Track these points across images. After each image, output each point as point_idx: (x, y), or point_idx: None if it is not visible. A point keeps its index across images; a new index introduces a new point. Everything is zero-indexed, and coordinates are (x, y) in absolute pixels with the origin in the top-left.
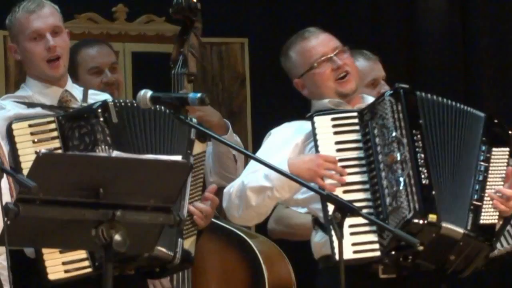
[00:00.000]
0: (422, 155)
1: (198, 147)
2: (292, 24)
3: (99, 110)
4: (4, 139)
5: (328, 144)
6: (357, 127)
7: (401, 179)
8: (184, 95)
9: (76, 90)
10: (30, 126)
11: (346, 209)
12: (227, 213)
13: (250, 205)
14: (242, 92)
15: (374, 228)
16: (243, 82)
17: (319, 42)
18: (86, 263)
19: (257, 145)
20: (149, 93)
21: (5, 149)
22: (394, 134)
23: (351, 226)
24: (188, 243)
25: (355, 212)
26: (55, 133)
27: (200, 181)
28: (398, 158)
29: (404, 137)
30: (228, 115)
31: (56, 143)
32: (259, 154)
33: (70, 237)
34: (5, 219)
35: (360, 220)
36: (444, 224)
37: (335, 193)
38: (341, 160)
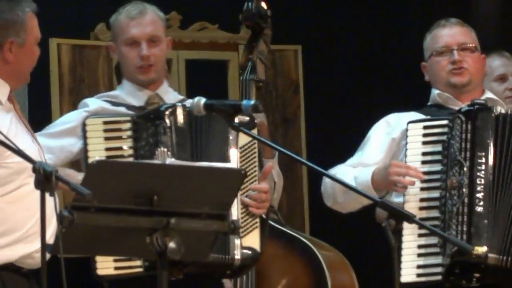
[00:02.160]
0: (483, 180)
1: (244, 138)
2: (345, 31)
3: (166, 113)
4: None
5: (415, 154)
6: (444, 137)
7: (454, 208)
8: (237, 102)
9: (170, 95)
10: (104, 123)
11: (400, 216)
12: (323, 196)
13: (337, 201)
14: (295, 99)
15: (439, 250)
16: (297, 89)
17: (449, 33)
18: (138, 262)
19: (311, 151)
20: (202, 100)
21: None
22: (458, 157)
23: (420, 246)
24: (251, 239)
25: (410, 219)
26: (128, 133)
27: (253, 172)
28: (456, 184)
29: (467, 160)
30: (281, 122)
31: (128, 143)
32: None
33: (124, 244)
34: (60, 226)
35: (430, 240)
36: (491, 255)
37: (412, 202)
38: (424, 173)
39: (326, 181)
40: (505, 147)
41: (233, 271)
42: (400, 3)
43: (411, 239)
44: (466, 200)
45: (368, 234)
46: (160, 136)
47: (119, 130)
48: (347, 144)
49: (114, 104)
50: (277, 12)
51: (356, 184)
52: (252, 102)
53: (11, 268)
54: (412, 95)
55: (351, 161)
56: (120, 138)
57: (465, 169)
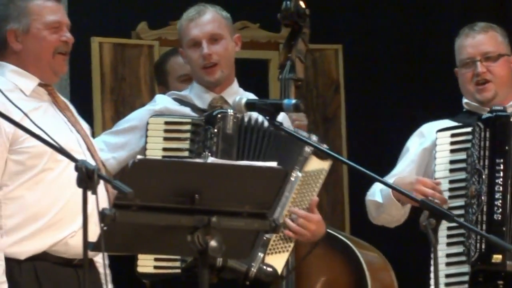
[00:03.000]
0: (501, 188)
1: (314, 164)
2: (386, 30)
3: (217, 119)
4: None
5: (444, 163)
6: (468, 145)
7: (474, 217)
8: (279, 101)
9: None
10: (166, 123)
11: (440, 215)
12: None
13: (372, 216)
14: (336, 98)
15: (465, 258)
16: (337, 88)
17: (472, 43)
18: (177, 263)
19: (351, 150)
20: (244, 99)
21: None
22: (476, 165)
23: (448, 255)
24: (277, 260)
25: (449, 218)
26: (187, 135)
27: (307, 199)
28: (475, 192)
29: (486, 168)
30: (322, 121)
31: (186, 144)
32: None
33: (166, 243)
34: (102, 224)
35: (457, 249)
36: (509, 262)
37: None
38: (450, 181)
39: (366, 203)
40: None
41: (251, 283)
42: (441, 2)
43: (439, 248)
44: (484, 208)
45: (408, 235)
46: (207, 141)
47: (179, 131)
48: (388, 143)
49: (182, 103)
50: (318, 12)
51: (382, 197)
52: (293, 101)
53: (43, 257)
54: (453, 94)
55: (390, 173)
56: (178, 139)
57: (483, 177)
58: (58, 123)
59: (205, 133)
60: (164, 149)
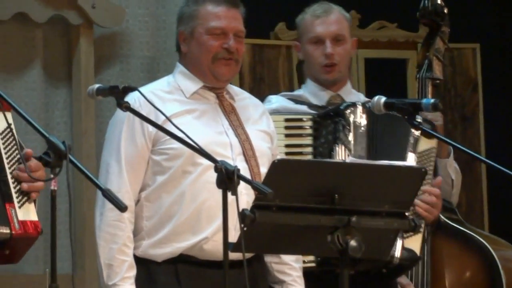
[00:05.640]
0: None
1: (424, 144)
2: None
3: (346, 111)
4: None
5: None
6: None
7: None
8: (417, 101)
9: (352, 96)
10: (286, 120)
11: None
12: None
13: None
14: (474, 97)
15: None
16: (475, 87)
17: None
18: (311, 257)
19: (489, 149)
20: (382, 99)
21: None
22: None
23: None
24: (413, 242)
25: None
26: (309, 131)
27: (428, 178)
28: None
29: None
30: (460, 121)
31: (308, 140)
32: None
33: (305, 242)
34: (242, 225)
35: None
36: None
37: None
38: None
39: None
40: None
41: (389, 270)
42: None
43: None
44: None
45: None
46: (339, 133)
47: (300, 127)
48: None
49: (298, 102)
50: (456, 11)
51: None
52: (432, 100)
53: (184, 259)
54: None
55: None
56: (300, 135)
57: None
58: (214, 126)
59: (335, 125)
60: (286, 146)
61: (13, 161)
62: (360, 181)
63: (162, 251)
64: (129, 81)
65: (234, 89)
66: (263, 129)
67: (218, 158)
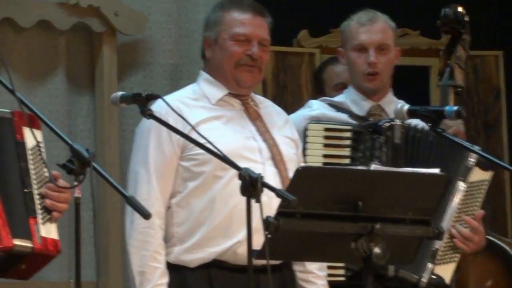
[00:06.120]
0: None
1: (477, 175)
2: None
3: (384, 128)
4: (300, 136)
5: None
6: None
7: None
8: (440, 108)
9: (393, 106)
10: (325, 129)
11: None
12: None
13: None
14: (497, 105)
15: None
16: (498, 94)
17: None
18: (341, 271)
19: None
20: (406, 106)
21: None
22: None
23: None
24: (445, 270)
25: None
26: (347, 142)
27: (471, 210)
28: None
29: None
30: (483, 128)
31: (346, 152)
32: None
33: (329, 250)
34: (266, 232)
35: None
36: None
37: None
38: None
39: None
40: None
41: None
42: None
43: None
44: None
45: None
46: (375, 151)
47: (339, 138)
48: None
49: (339, 109)
50: (479, 18)
51: None
52: (455, 108)
53: (217, 264)
54: None
55: None
56: (339, 146)
57: None
58: (242, 131)
59: (372, 142)
60: (325, 156)
61: (40, 178)
62: (384, 188)
63: (195, 257)
64: (152, 89)
65: (258, 97)
66: (289, 136)
67: (248, 163)
